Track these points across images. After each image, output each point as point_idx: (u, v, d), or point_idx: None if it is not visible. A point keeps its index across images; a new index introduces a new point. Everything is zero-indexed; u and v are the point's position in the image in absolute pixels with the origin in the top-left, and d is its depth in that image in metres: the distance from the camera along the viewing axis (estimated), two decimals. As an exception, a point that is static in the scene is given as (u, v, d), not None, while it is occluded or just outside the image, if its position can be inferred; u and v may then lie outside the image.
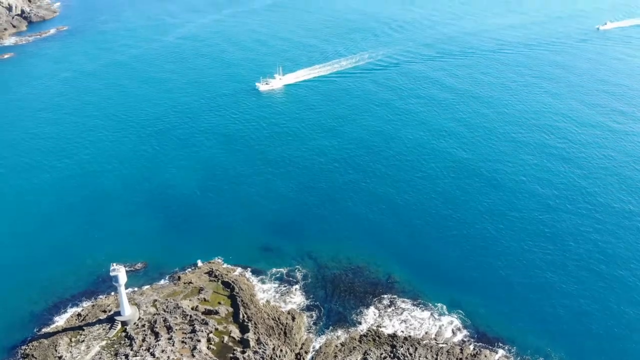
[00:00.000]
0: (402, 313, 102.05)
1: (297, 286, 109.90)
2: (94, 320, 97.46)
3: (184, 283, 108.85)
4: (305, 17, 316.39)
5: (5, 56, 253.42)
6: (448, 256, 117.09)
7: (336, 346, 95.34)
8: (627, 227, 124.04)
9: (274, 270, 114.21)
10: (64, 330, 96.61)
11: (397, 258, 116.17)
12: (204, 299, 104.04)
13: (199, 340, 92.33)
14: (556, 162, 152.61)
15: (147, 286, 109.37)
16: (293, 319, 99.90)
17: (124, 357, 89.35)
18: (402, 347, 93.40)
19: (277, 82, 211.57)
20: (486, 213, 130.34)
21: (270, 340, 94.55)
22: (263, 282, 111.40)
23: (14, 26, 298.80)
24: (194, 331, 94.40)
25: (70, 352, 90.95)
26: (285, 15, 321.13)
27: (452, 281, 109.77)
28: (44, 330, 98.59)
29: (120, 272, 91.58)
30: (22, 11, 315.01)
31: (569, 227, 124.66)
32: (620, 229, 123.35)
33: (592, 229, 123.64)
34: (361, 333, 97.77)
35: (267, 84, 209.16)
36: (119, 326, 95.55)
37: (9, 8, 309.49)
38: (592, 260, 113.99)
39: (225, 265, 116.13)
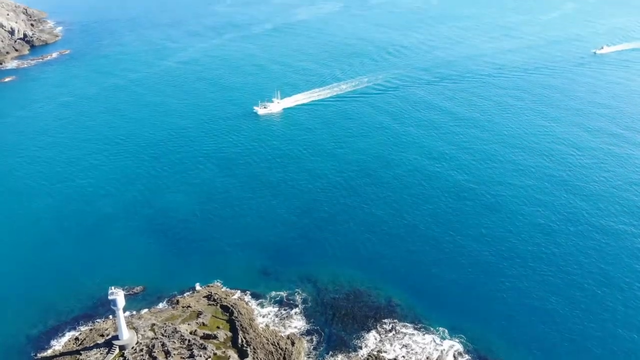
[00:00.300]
0: (403, 337, 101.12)
1: (296, 310, 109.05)
2: (92, 345, 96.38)
3: (183, 307, 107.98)
4: (304, 41, 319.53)
5: (7, 79, 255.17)
6: (449, 280, 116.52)
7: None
8: (629, 250, 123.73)
9: (273, 293, 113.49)
10: (62, 354, 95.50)
11: (397, 282, 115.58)
12: (203, 323, 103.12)
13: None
14: (556, 185, 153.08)
15: (146, 310, 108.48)
16: (292, 343, 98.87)
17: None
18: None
19: (276, 106, 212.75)
20: (486, 236, 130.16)
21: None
22: (262, 306, 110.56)
23: (16, 50, 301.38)
24: (192, 356, 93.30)
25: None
26: (285, 40, 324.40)
27: (453, 305, 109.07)
28: (42, 354, 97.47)
29: (118, 296, 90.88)
30: (25, 35, 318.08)
31: (571, 250, 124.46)
32: (623, 252, 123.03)
33: (594, 252, 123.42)
34: (362, 358, 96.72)
35: (265, 107, 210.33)
36: (117, 350, 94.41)
37: (12, 32, 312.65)
38: (595, 284, 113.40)
39: (224, 289, 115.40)
